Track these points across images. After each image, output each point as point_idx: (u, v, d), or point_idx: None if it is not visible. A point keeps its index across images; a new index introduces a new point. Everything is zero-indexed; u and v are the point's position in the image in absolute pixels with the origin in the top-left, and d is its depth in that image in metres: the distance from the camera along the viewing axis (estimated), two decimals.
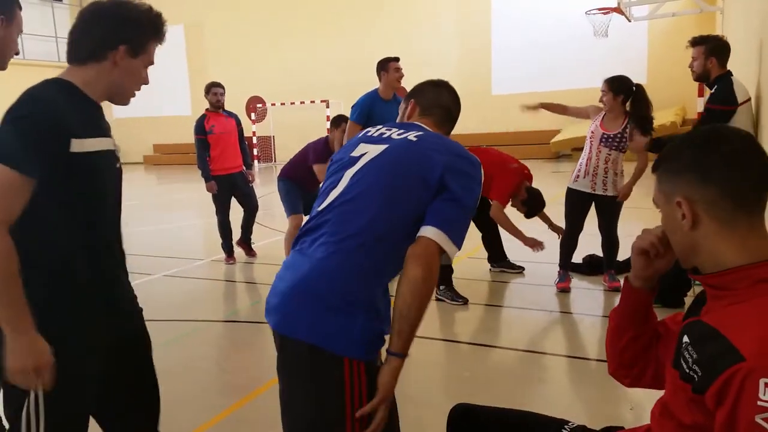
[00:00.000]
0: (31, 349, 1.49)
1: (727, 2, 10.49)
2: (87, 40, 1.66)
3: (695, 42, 4.15)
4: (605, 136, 4.62)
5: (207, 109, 6.33)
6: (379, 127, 1.83)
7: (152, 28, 1.72)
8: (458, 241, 1.58)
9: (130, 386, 1.86)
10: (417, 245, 1.53)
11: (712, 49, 4.03)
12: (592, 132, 4.70)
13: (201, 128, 6.20)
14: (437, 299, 4.71)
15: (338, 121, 5.51)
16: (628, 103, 4.59)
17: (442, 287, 4.71)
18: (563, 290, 4.85)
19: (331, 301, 1.53)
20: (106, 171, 1.71)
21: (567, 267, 4.95)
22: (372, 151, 1.71)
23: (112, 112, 25.96)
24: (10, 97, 1.64)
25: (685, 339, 1.14)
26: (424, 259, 1.51)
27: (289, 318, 1.57)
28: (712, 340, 1.06)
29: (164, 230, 9.01)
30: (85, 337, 1.65)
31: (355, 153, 1.73)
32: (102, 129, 1.71)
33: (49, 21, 24.64)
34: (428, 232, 1.54)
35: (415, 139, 1.71)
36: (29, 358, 1.49)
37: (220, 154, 6.22)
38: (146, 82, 1.76)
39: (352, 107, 5.08)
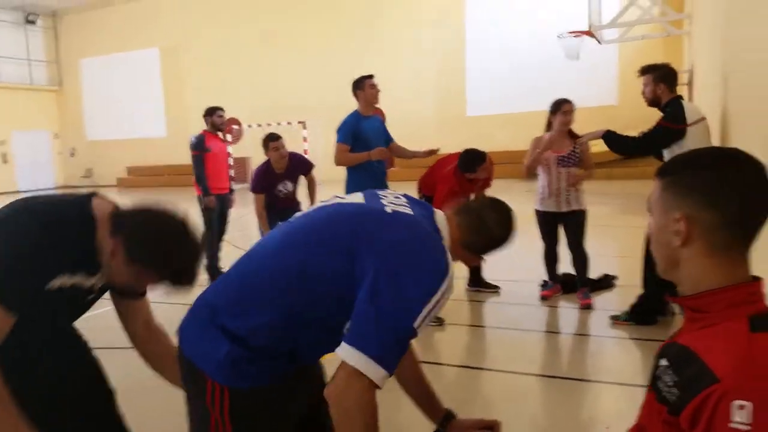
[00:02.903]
0: None
1: (694, 26, 10.78)
2: None
3: (644, 71, 4.37)
4: (560, 158, 4.88)
5: (205, 130, 6.48)
6: (385, 194, 1.66)
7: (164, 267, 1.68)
8: (383, 360, 1.29)
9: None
10: (334, 377, 1.33)
11: (661, 77, 4.24)
12: (546, 159, 4.90)
13: (201, 145, 6.32)
14: None
15: (266, 143, 5.67)
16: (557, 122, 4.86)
17: None
18: (544, 298, 5.08)
19: (209, 319, 1.49)
20: (60, 303, 1.66)
21: (555, 279, 5.17)
22: (338, 200, 1.62)
23: (86, 133, 25.80)
24: None
25: (663, 362, 1.15)
26: (335, 396, 1.31)
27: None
28: (689, 362, 1.07)
29: None
30: None
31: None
32: (85, 266, 1.68)
33: (22, 44, 24.43)
34: (342, 350, 1.32)
35: (389, 210, 1.50)
36: None
37: (215, 174, 6.37)
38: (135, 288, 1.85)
39: (338, 130, 5.08)
